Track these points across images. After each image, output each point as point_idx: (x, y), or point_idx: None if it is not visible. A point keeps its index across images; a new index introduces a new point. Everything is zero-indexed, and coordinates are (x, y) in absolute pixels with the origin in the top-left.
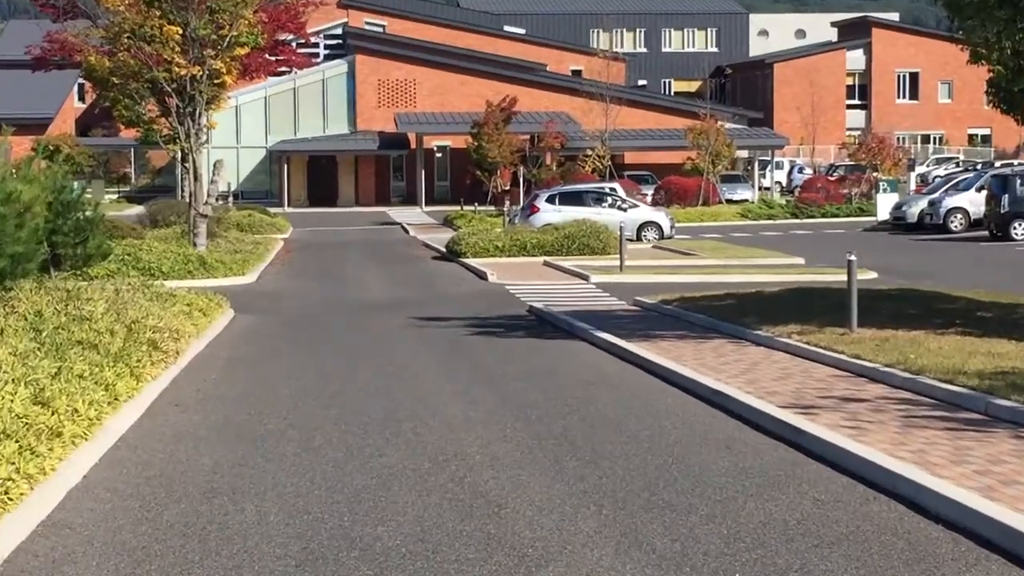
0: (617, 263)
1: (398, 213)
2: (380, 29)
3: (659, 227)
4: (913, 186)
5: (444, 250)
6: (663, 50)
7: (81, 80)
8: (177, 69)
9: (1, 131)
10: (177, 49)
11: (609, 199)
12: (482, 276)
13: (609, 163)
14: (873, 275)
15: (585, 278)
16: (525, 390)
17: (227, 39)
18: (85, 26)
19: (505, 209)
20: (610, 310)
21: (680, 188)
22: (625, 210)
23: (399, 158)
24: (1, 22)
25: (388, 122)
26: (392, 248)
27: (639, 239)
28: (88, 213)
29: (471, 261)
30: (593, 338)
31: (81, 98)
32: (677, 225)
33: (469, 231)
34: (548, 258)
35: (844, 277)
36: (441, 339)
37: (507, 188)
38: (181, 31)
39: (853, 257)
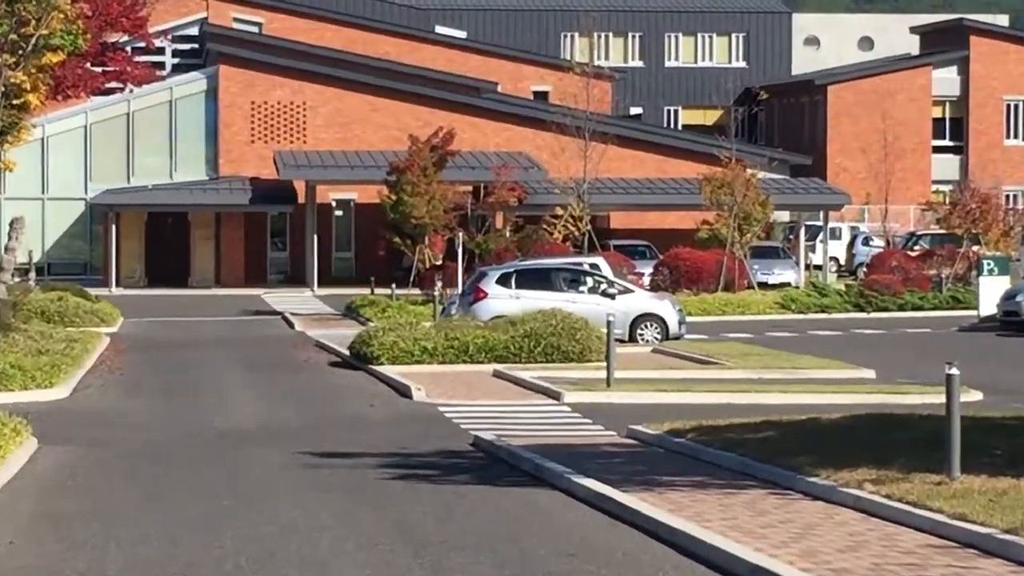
0: (602, 375)
1: (279, 298)
2: (255, 29)
3: (662, 322)
4: None
5: (347, 353)
6: (667, 64)
7: None
8: None
9: None
10: None
11: (589, 280)
12: (404, 392)
13: (588, 227)
14: (978, 395)
15: (556, 396)
16: (474, 565)
17: (33, 40)
18: None
19: (436, 293)
20: (594, 444)
21: (692, 265)
22: (613, 296)
23: (281, 217)
24: None
25: (265, 164)
26: (271, 349)
27: (633, 339)
28: None
29: (387, 370)
30: (570, 485)
31: None
32: (689, 319)
33: (384, 326)
34: (500, 367)
35: (938, 399)
36: (346, 486)
37: (439, 263)
38: None
39: (954, 370)
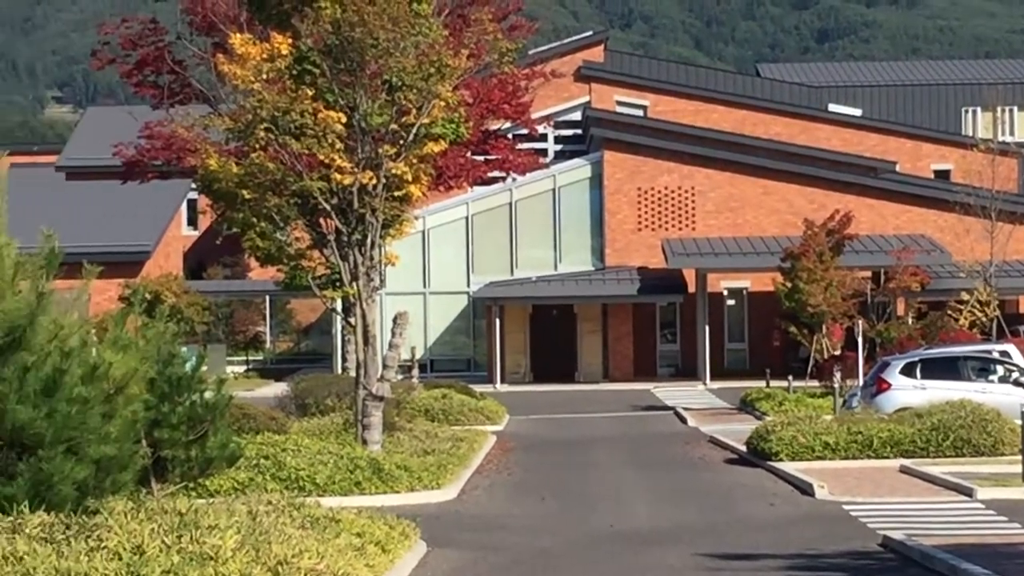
0: (1017, 469)
1: (669, 392)
2: (640, 112)
3: None
4: None
5: (743, 449)
6: None
7: (193, 195)
8: (339, 176)
9: (82, 273)
10: (339, 146)
11: (1000, 369)
12: (805, 490)
13: (996, 313)
14: None
15: (968, 493)
16: None
17: (414, 130)
18: (202, 114)
19: (835, 385)
20: (1013, 543)
21: None
22: None
23: (670, 308)
24: (76, 109)
25: (653, 253)
26: (662, 446)
27: None
28: (207, 395)
29: (787, 466)
30: None
31: (192, 222)
32: None
33: (781, 420)
34: (907, 461)
35: None
36: None
37: (837, 352)
38: (345, 118)
39: None
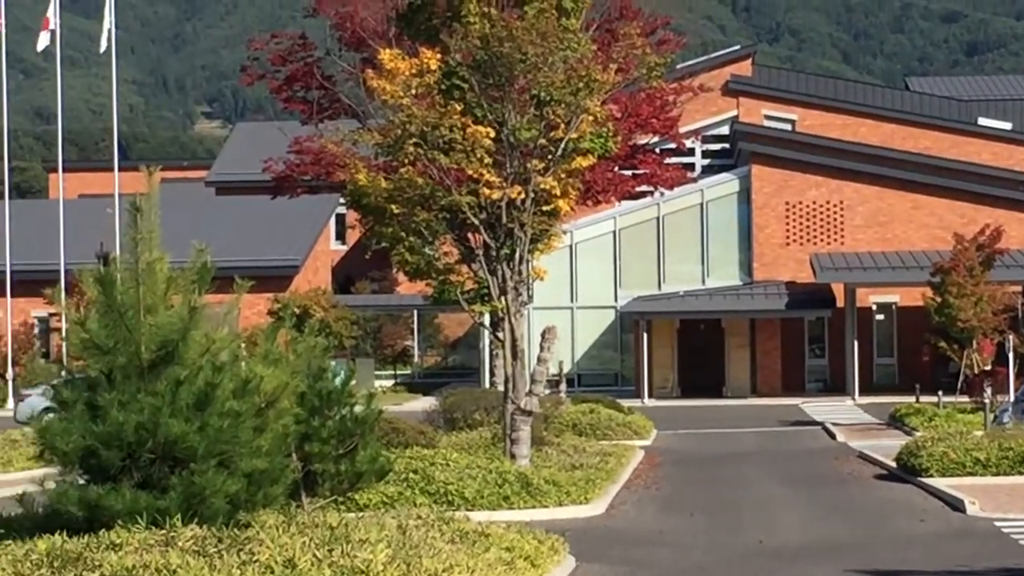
0: None
1: (818, 407)
2: (788, 127)
3: None
4: None
5: (893, 465)
6: None
7: (342, 209)
8: (487, 191)
9: (232, 288)
10: (488, 161)
11: None
12: (956, 506)
13: None
14: None
15: None
16: None
17: (562, 144)
18: (351, 129)
19: (986, 400)
20: None
21: None
22: None
23: (818, 322)
24: (225, 125)
25: (801, 267)
26: (811, 462)
27: None
28: (357, 409)
29: (937, 482)
30: None
31: (340, 237)
32: None
33: (931, 436)
34: None
35: None
36: None
37: (988, 368)
38: (494, 133)
39: None
